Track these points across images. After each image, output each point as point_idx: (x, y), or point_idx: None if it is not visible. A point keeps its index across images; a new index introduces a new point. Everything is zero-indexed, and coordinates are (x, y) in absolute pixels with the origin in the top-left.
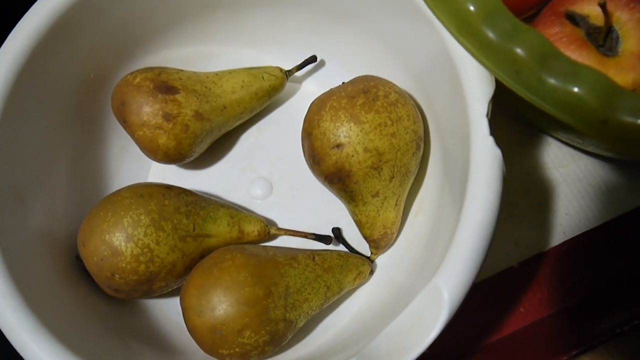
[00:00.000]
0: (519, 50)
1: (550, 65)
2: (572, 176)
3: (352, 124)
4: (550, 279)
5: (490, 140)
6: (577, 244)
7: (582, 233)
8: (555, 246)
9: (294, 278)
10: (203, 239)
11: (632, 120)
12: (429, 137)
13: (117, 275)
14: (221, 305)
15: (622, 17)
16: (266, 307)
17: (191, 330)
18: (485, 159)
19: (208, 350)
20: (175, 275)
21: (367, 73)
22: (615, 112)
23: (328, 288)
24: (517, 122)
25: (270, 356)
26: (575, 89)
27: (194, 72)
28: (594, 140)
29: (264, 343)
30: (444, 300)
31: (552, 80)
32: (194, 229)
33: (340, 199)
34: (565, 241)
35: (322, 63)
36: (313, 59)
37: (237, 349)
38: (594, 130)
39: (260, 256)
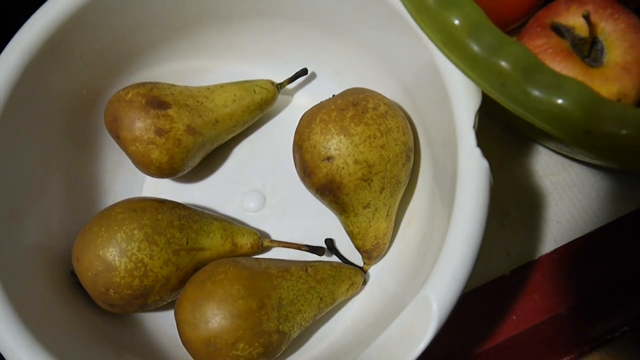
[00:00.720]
0: (503, 64)
1: (534, 77)
2: (562, 184)
3: (342, 137)
4: (542, 286)
5: (477, 151)
6: (569, 252)
7: (573, 240)
8: (546, 254)
9: (287, 290)
10: (196, 253)
11: (616, 130)
12: (419, 148)
13: (111, 290)
14: (215, 318)
15: (606, 28)
16: (259, 319)
17: (185, 344)
18: (472, 170)
19: None
20: (169, 289)
21: (358, 85)
22: (599, 123)
23: (321, 299)
24: (507, 131)
25: None
26: (559, 101)
27: (186, 87)
28: (579, 150)
29: (258, 355)
30: (433, 311)
31: (536, 93)
32: (187, 243)
33: (332, 211)
34: (557, 249)
35: (313, 76)
36: (304, 71)
37: None
38: (579, 141)
39: (253, 268)
